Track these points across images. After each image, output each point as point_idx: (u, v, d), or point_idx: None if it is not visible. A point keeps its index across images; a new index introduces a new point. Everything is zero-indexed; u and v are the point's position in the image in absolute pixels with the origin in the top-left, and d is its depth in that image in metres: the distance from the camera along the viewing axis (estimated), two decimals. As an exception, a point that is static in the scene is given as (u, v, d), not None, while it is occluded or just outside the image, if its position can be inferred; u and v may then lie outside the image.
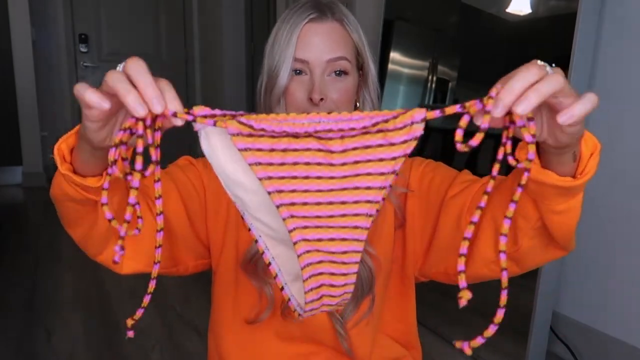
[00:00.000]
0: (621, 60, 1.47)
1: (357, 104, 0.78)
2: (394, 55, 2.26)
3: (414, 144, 0.46)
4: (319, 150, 0.46)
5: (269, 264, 0.52)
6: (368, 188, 0.47)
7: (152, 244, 0.66)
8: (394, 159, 0.46)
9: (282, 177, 0.47)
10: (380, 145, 0.46)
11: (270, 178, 0.47)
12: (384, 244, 0.79)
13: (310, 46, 0.72)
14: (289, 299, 0.52)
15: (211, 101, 5.01)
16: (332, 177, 0.47)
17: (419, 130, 0.45)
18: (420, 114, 0.45)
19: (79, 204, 0.61)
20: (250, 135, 0.46)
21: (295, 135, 0.46)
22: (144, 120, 0.46)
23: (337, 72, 0.73)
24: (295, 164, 0.47)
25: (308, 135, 0.46)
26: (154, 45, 5.00)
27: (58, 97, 4.62)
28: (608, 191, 1.51)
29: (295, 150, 0.46)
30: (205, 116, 0.46)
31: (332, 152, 0.46)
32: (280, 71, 0.72)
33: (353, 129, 0.46)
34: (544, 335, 1.56)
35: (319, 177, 0.47)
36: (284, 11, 0.75)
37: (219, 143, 0.49)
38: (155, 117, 0.47)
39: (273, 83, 0.73)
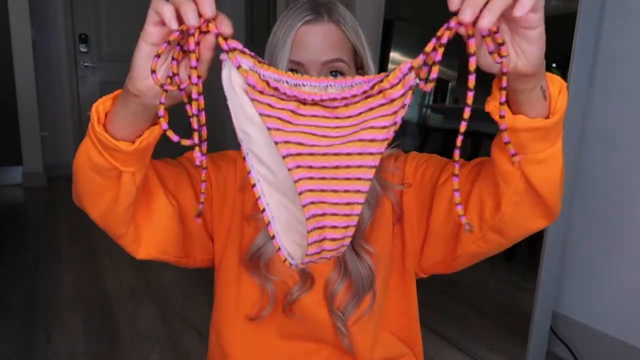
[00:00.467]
0: (621, 60, 1.47)
1: None
2: (394, 55, 2.26)
3: (409, 94, 0.49)
4: (325, 117, 0.50)
5: (263, 210, 0.53)
6: (372, 140, 0.49)
7: (166, 232, 0.71)
8: (394, 113, 0.49)
9: (290, 131, 0.50)
10: (382, 105, 0.49)
11: (278, 130, 0.49)
12: (383, 240, 0.80)
13: (306, 48, 0.72)
14: (279, 248, 0.52)
15: (211, 100, 5.00)
16: (337, 135, 0.50)
17: (411, 80, 0.48)
18: (406, 65, 0.48)
19: (101, 176, 0.61)
20: (262, 92, 0.49)
21: (303, 102, 0.49)
22: (187, 33, 0.50)
23: (334, 73, 0.73)
24: (303, 124, 0.50)
25: (314, 103, 0.49)
26: (154, 45, 5.00)
27: (58, 97, 4.62)
28: (608, 191, 1.51)
29: (303, 115, 0.50)
30: (235, 49, 0.50)
31: (338, 117, 0.50)
32: None
33: (355, 95, 0.49)
34: (544, 335, 1.56)
35: (325, 136, 0.50)
36: (284, 11, 0.75)
37: (239, 79, 0.52)
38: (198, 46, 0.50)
39: None
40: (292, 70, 0.73)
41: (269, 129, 0.49)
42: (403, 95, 0.49)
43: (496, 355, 1.62)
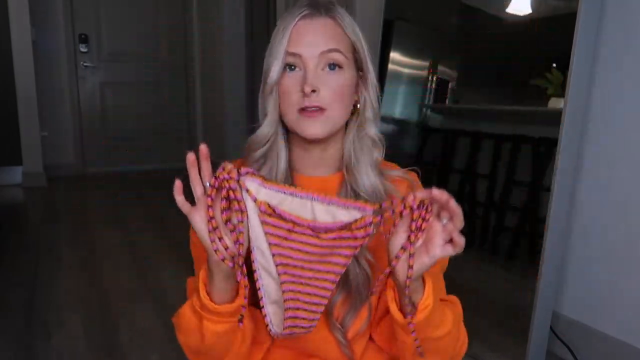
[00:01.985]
0: (621, 60, 1.47)
1: (358, 105, 0.78)
2: (394, 55, 2.26)
3: (369, 238, 0.66)
4: (311, 235, 0.68)
5: (259, 288, 0.69)
6: (336, 264, 0.67)
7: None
8: (355, 247, 0.67)
9: (285, 247, 0.68)
10: (349, 238, 0.66)
11: (276, 245, 0.68)
12: (383, 252, 0.79)
13: (303, 40, 0.72)
14: (265, 315, 0.70)
15: (211, 101, 5.01)
16: (316, 253, 0.68)
17: (370, 229, 0.65)
18: (368, 219, 0.65)
19: (227, 336, 0.72)
20: (270, 215, 0.67)
21: (299, 224, 0.67)
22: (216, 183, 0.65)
23: (331, 66, 0.73)
24: (293, 240, 0.68)
25: (306, 226, 0.67)
26: (154, 45, 5.00)
27: (58, 97, 4.62)
28: (608, 191, 1.51)
29: (296, 232, 0.67)
30: (248, 173, 0.66)
31: (319, 237, 0.67)
32: (272, 65, 0.73)
33: (332, 228, 0.66)
34: (544, 335, 1.56)
35: (307, 252, 0.68)
36: (284, 11, 0.76)
37: (251, 204, 0.68)
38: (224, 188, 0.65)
39: (266, 78, 0.74)
40: (288, 65, 0.73)
41: (270, 244, 0.68)
42: (364, 237, 0.66)
43: (496, 355, 1.62)
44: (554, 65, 1.53)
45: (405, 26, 2.33)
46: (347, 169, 0.79)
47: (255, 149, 0.78)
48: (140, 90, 5.01)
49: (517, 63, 1.77)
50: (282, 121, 0.77)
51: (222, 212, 0.65)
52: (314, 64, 0.72)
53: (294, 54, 0.72)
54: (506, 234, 1.82)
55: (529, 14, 1.71)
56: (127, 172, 4.88)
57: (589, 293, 1.59)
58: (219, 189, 0.65)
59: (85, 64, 4.73)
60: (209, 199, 0.64)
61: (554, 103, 1.53)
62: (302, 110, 0.72)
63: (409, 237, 0.64)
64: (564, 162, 1.44)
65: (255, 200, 0.66)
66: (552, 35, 1.63)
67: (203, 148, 0.64)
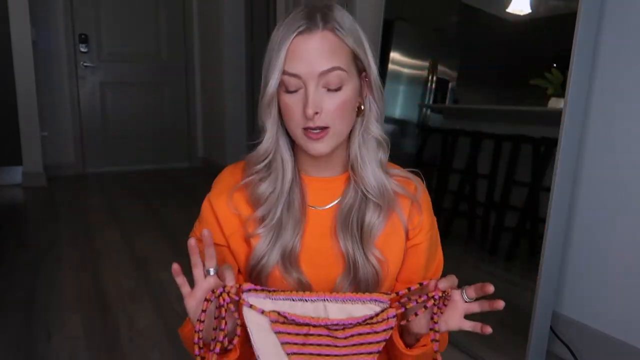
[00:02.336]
0: (621, 60, 1.47)
1: (362, 106, 0.78)
2: (394, 55, 2.26)
3: (391, 331, 0.70)
4: (328, 336, 0.69)
5: None
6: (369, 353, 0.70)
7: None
8: (378, 342, 0.69)
9: (303, 354, 0.69)
10: (369, 333, 0.69)
11: (295, 354, 0.69)
12: (393, 251, 0.81)
13: (301, 60, 0.71)
14: None
15: (211, 101, 5.01)
16: (336, 355, 0.69)
17: (393, 322, 0.69)
18: (392, 312, 0.69)
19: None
20: (283, 323, 0.68)
21: (314, 325, 0.69)
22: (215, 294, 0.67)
23: (333, 89, 0.72)
24: (312, 344, 0.69)
25: (322, 326, 0.69)
26: (154, 45, 5.00)
27: (58, 97, 4.63)
28: (608, 191, 1.51)
29: (313, 335, 0.69)
30: (250, 290, 0.69)
31: (337, 337, 0.69)
32: (270, 79, 0.72)
33: (351, 323, 0.68)
34: (544, 335, 1.56)
35: (328, 355, 0.69)
36: (284, 13, 0.75)
37: (253, 317, 0.70)
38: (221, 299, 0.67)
39: (265, 87, 0.74)
40: (288, 91, 0.73)
41: (288, 354, 0.69)
42: (385, 330, 0.68)
43: (496, 355, 1.62)
44: (554, 65, 1.53)
45: (405, 26, 2.33)
46: (354, 169, 0.79)
47: (256, 164, 0.79)
48: (140, 90, 5.02)
49: (517, 63, 1.77)
50: (284, 130, 0.78)
51: (213, 329, 0.69)
52: (314, 83, 0.71)
53: (293, 75, 0.71)
54: (506, 234, 1.82)
55: (529, 14, 1.71)
56: (127, 172, 4.88)
57: (589, 293, 1.59)
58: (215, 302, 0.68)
59: (85, 64, 4.73)
60: (203, 313, 0.67)
61: (554, 103, 1.53)
62: (306, 129, 0.73)
63: (432, 318, 0.71)
64: (564, 162, 1.44)
65: (262, 312, 0.68)
66: (552, 35, 1.63)
67: (206, 234, 0.67)
